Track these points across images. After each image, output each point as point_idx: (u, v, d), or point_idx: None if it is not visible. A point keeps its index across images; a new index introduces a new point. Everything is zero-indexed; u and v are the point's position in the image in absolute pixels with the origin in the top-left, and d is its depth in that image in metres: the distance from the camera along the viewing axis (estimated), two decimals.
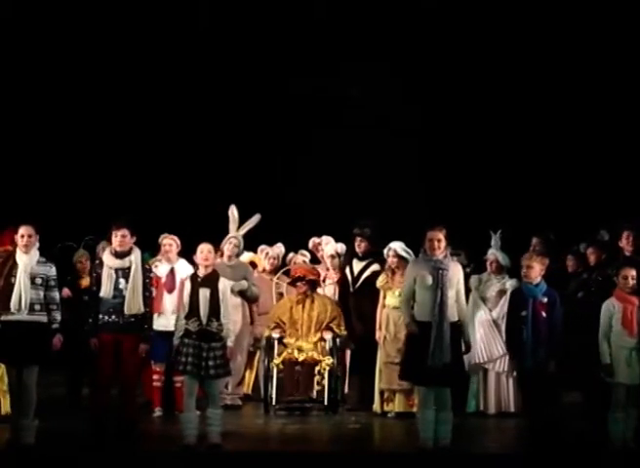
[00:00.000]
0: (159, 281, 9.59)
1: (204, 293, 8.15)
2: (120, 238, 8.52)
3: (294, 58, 14.03)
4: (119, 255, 8.51)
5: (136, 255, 8.53)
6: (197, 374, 8.09)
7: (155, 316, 9.14)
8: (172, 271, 9.71)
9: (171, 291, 9.53)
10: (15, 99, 13.65)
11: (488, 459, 8.08)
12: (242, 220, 10.53)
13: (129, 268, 8.48)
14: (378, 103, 14.10)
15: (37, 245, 8.28)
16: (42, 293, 8.17)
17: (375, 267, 10.29)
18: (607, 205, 13.01)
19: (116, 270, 8.48)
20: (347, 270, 10.47)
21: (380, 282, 9.96)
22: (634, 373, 8.09)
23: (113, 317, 8.43)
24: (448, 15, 13.91)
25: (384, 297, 9.87)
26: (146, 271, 8.60)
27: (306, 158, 14.14)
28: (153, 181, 13.94)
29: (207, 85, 14.14)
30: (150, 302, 8.62)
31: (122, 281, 8.45)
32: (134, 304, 8.42)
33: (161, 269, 9.72)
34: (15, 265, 8.16)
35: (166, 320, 9.32)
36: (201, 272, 8.29)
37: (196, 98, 14.11)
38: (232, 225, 10.46)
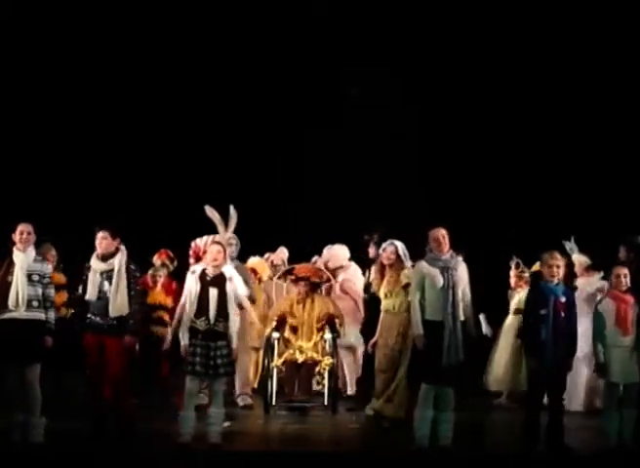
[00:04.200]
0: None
1: (213, 293, 8.20)
2: (99, 240, 8.53)
3: (293, 58, 14.03)
4: (104, 258, 8.53)
5: (120, 257, 8.52)
6: (205, 374, 8.14)
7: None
8: None
9: None
10: (14, 100, 13.66)
11: (487, 459, 8.08)
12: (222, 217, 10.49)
13: (113, 270, 8.49)
14: (377, 104, 14.09)
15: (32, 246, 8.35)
16: (40, 290, 8.24)
17: None
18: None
19: (101, 273, 8.50)
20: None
21: (376, 284, 9.71)
22: (628, 372, 8.10)
23: (97, 319, 8.45)
24: (448, 15, 13.90)
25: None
26: (132, 271, 8.56)
27: (306, 159, 14.13)
28: (151, 184, 13.94)
29: (207, 87, 14.13)
30: (135, 301, 8.53)
31: (106, 283, 8.46)
32: (117, 306, 8.40)
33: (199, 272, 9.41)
34: (12, 263, 8.23)
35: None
36: (210, 272, 8.32)
37: (196, 101, 14.10)
38: (220, 226, 10.40)
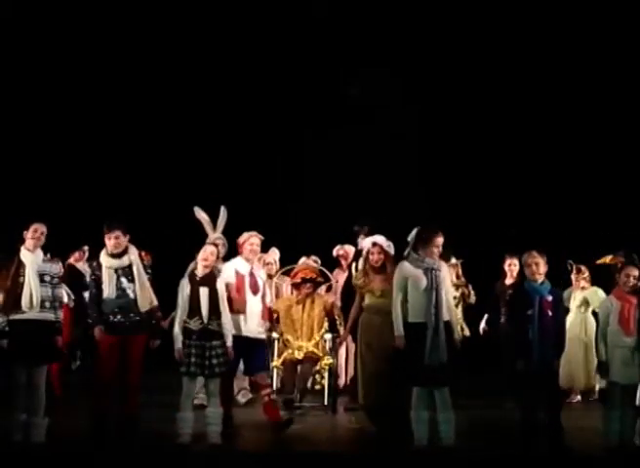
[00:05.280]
0: (242, 281, 8.90)
1: (204, 292, 8.24)
2: (114, 240, 8.45)
3: (293, 58, 14.02)
4: (116, 255, 8.46)
5: (133, 253, 8.48)
6: (201, 374, 8.19)
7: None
8: (252, 271, 9.01)
9: (256, 292, 8.90)
10: (15, 100, 13.65)
11: (487, 459, 8.07)
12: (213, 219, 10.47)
13: (129, 267, 8.43)
14: (377, 104, 14.09)
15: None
16: (50, 291, 8.21)
17: None
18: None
19: (116, 270, 8.45)
20: None
21: (358, 280, 9.32)
22: (630, 373, 8.04)
23: (119, 317, 8.37)
24: (448, 15, 13.90)
25: (362, 299, 9.25)
26: (145, 267, 8.54)
27: (306, 159, 14.13)
28: (150, 184, 13.94)
29: (207, 88, 14.14)
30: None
31: (124, 280, 8.40)
32: (146, 300, 8.37)
33: (240, 268, 8.95)
34: (21, 264, 8.18)
35: (254, 325, 8.78)
36: (199, 272, 8.36)
37: (196, 102, 14.11)
38: (208, 227, 10.36)
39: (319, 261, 11.25)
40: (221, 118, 14.16)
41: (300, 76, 14.03)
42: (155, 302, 8.45)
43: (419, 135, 14.02)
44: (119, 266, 8.44)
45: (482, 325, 10.86)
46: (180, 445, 8.13)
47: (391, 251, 9.23)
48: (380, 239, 9.27)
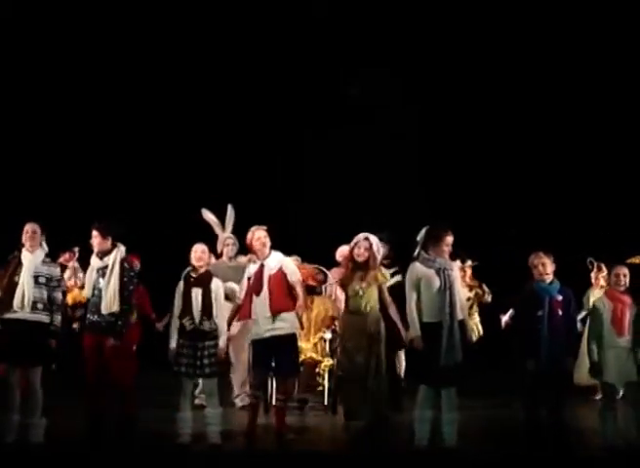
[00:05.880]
0: (248, 286, 8.75)
1: (196, 293, 8.29)
2: (92, 239, 8.53)
3: (293, 58, 14.02)
4: (100, 255, 8.50)
5: (115, 254, 8.45)
6: (192, 374, 8.19)
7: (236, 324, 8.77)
8: (260, 268, 8.71)
9: (258, 292, 8.61)
10: (14, 100, 13.65)
11: (488, 459, 8.06)
12: (219, 218, 10.46)
13: (107, 267, 8.45)
14: (377, 104, 14.09)
15: (45, 247, 8.41)
16: (46, 293, 8.25)
17: (398, 278, 9.60)
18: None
19: (97, 270, 8.48)
20: None
21: (343, 279, 9.21)
22: (623, 373, 8.03)
23: (95, 317, 8.41)
24: (448, 15, 13.89)
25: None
26: (126, 270, 8.46)
27: (306, 159, 14.12)
28: (150, 184, 13.94)
29: (207, 87, 14.14)
30: (130, 300, 8.47)
31: (101, 280, 8.42)
32: (108, 302, 8.32)
33: (251, 270, 8.80)
34: (20, 264, 8.26)
35: (262, 326, 8.57)
36: (195, 272, 8.40)
37: (196, 101, 14.11)
38: (217, 227, 10.35)
39: (299, 259, 11.18)
40: (222, 118, 14.15)
41: (301, 76, 14.03)
42: (115, 308, 8.31)
43: (419, 135, 14.01)
44: (100, 266, 8.48)
45: (505, 318, 10.75)
46: (179, 445, 8.13)
47: (378, 255, 9.10)
48: (373, 238, 9.15)
